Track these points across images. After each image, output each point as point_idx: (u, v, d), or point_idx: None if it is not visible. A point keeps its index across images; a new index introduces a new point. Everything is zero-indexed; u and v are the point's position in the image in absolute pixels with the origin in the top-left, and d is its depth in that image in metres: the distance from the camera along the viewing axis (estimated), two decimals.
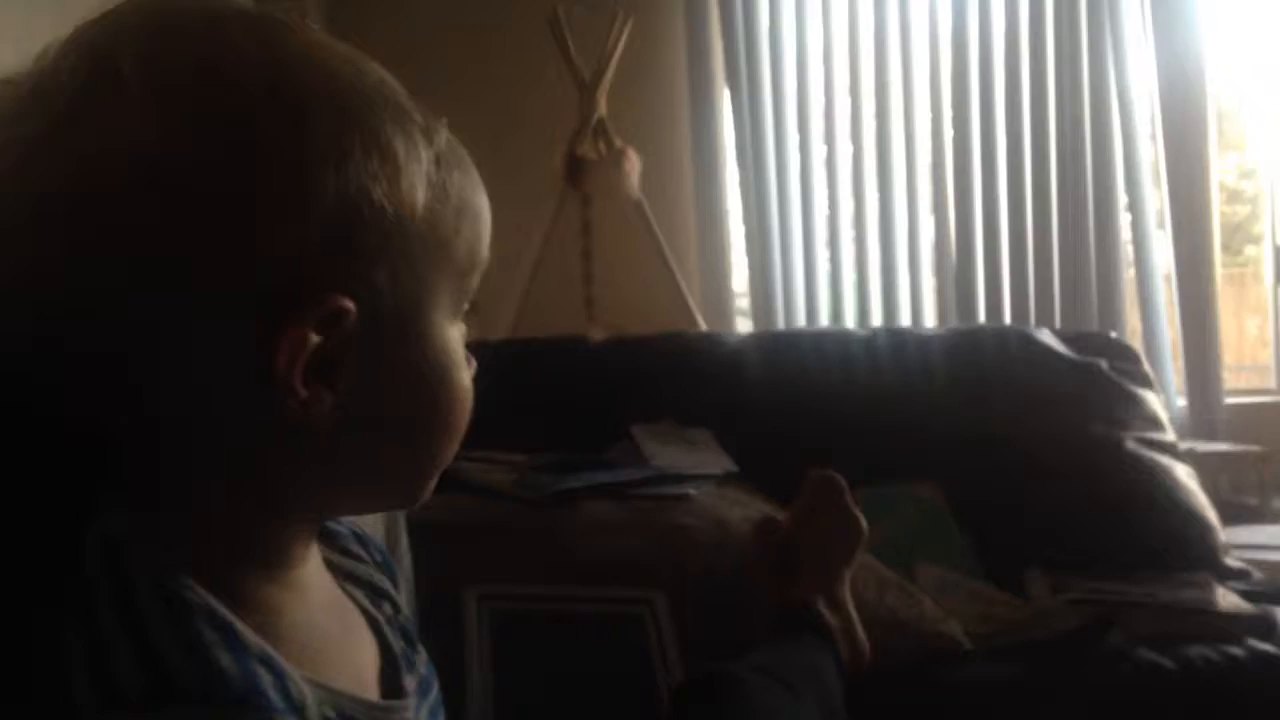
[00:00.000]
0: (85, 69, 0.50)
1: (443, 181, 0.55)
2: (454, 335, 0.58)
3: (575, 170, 3.87)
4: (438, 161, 0.55)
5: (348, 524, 0.68)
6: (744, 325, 4.25)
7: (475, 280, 0.59)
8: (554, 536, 1.44)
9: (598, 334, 2.73)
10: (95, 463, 0.52)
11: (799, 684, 1.16)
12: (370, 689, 0.60)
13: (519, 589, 1.35)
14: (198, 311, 0.50)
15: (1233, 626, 1.51)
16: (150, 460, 0.52)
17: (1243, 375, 5.31)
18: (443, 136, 0.56)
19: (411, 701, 0.62)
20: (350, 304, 0.51)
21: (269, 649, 0.50)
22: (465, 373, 0.58)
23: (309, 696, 0.50)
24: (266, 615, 0.53)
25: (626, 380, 1.96)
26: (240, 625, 0.49)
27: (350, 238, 0.51)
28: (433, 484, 0.60)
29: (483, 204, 0.58)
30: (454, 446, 0.59)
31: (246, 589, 0.53)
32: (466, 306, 0.59)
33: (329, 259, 0.51)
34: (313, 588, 0.58)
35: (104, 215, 0.49)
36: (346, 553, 0.66)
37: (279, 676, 0.49)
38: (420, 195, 0.54)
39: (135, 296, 0.49)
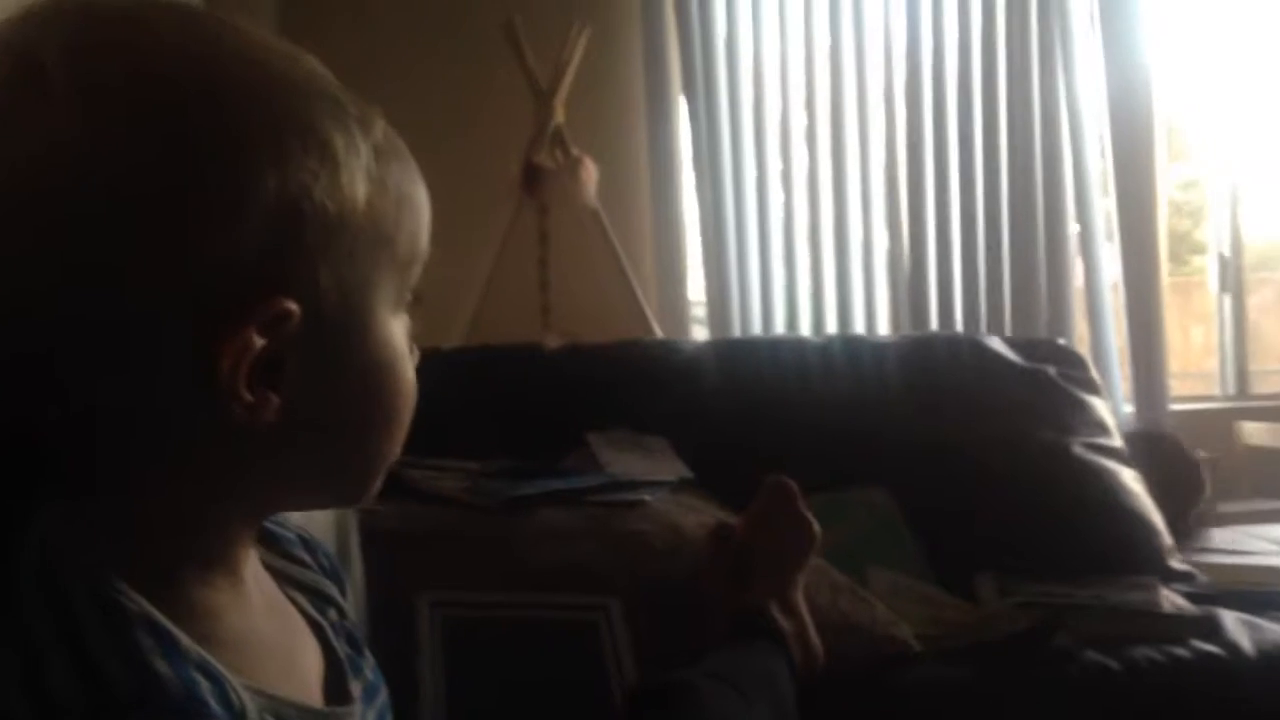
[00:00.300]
0: (8, 67, 0.49)
1: (382, 175, 0.54)
2: (397, 329, 0.57)
3: (532, 179, 3.87)
4: (376, 154, 0.54)
5: (295, 529, 0.67)
6: (700, 334, 4.26)
7: (417, 272, 0.58)
8: (508, 543, 1.44)
9: (554, 342, 2.73)
10: (32, 466, 0.51)
11: (752, 689, 1.17)
12: (313, 695, 0.59)
13: (472, 596, 1.35)
14: (133, 315, 0.49)
15: (1178, 628, 1.54)
16: (87, 465, 0.51)
17: (1188, 382, 5.40)
18: (379, 127, 0.55)
19: (356, 708, 0.61)
20: (294, 306, 0.51)
21: (207, 656, 0.49)
22: (409, 365, 0.58)
23: (249, 704, 0.50)
24: (205, 620, 0.52)
25: (582, 387, 1.96)
26: (178, 632, 0.49)
27: (291, 237, 0.51)
28: (380, 479, 0.60)
29: (422, 195, 0.58)
30: (400, 440, 0.59)
31: (185, 594, 0.53)
32: (409, 298, 0.58)
33: (270, 260, 0.50)
34: (253, 592, 0.58)
35: (35, 217, 0.48)
36: (291, 558, 0.66)
37: (218, 684, 0.48)
38: (360, 190, 0.53)
39: (67, 298, 0.48)
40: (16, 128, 0.48)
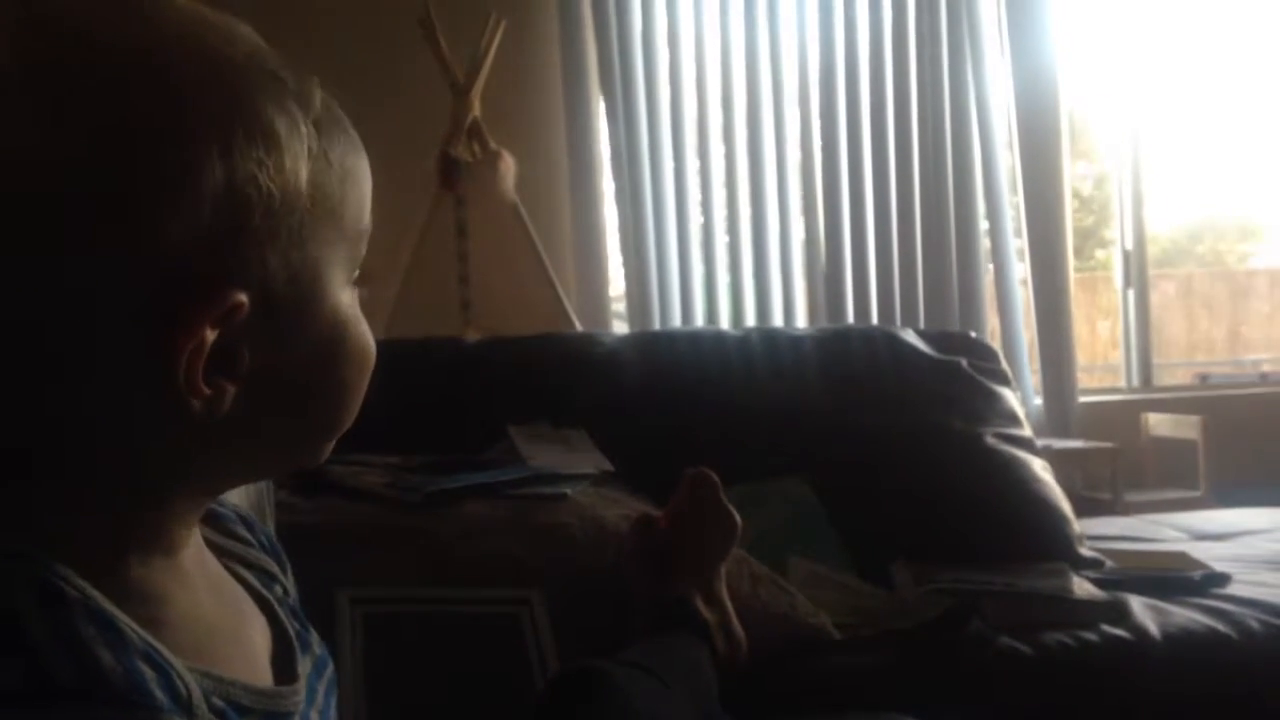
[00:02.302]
0: None
1: (324, 151, 0.54)
2: (348, 299, 0.57)
3: (449, 172, 3.84)
4: (318, 129, 0.54)
5: (231, 507, 0.67)
6: (620, 329, 4.27)
7: (364, 246, 0.58)
8: (430, 538, 1.43)
9: (473, 336, 2.71)
10: None
11: (674, 678, 1.18)
12: (262, 673, 0.59)
13: (392, 591, 1.34)
14: (79, 315, 0.48)
15: (1088, 613, 1.58)
16: (29, 453, 0.50)
17: (1095, 375, 5.55)
18: (318, 99, 0.55)
19: (302, 685, 0.61)
20: (244, 297, 0.50)
21: (153, 642, 0.48)
22: (364, 330, 0.58)
23: (195, 690, 0.49)
24: (152, 603, 0.52)
25: (503, 381, 1.95)
26: (122, 620, 0.48)
27: (238, 226, 0.50)
28: (332, 444, 0.60)
29: (364, 165, 0.57)
30: (357, 403, 0.59)
31: (131, 576, 0.52)
32: (357, 273, 0.58)
33: (218, 251, 0.50)
34: (198, 572, 0.57)
35: None
36: (232, 535, 0.65)
37: (163, 673, 0.47)
38: (304, 171, 0.53)
39: (12, 298, 0.47)
40: None
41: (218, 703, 0.51)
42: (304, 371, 0.55)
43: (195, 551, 0.57)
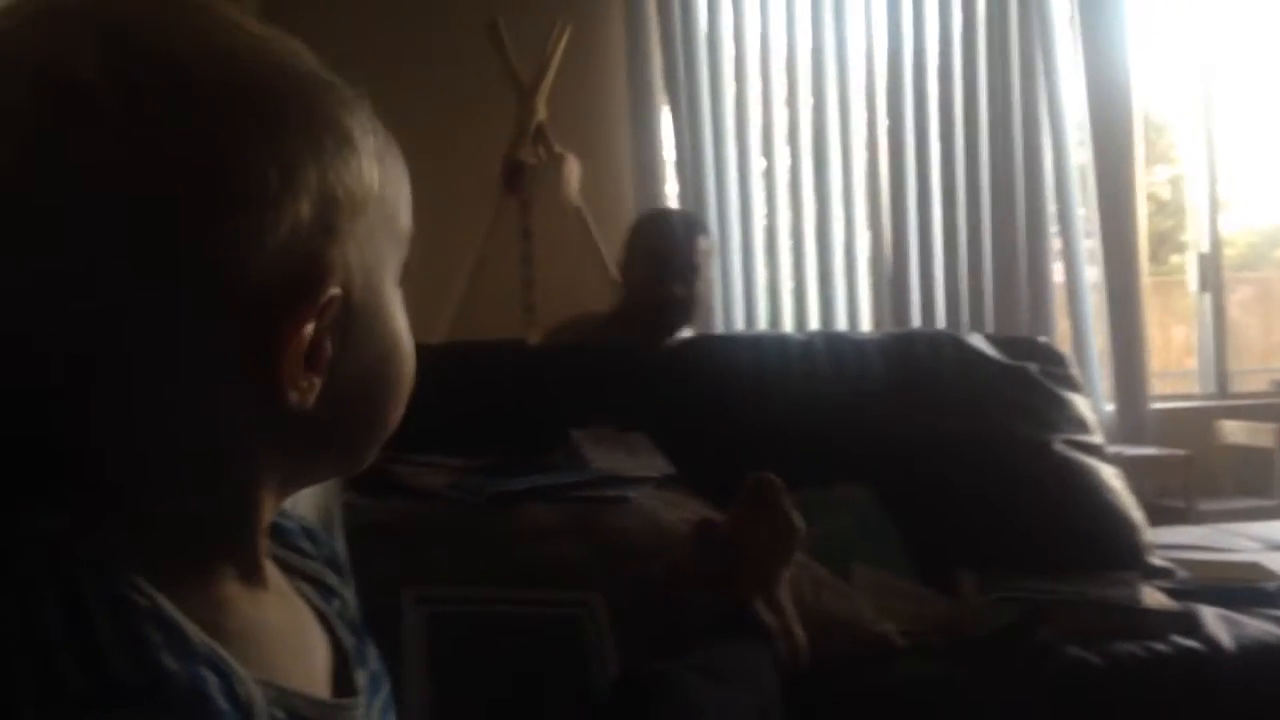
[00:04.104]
0: (37, 83, 0.49)
1: (381, 154, 0.56)
2: (399, 300, 0.59)
3: (514, 176, 3.87)
4: (375, 135, 0.56)
5: (296, 519, 0.68)
6: (684, 331, 4.27)
7: (407, 247, 0.60)
8: (492, 539, 1.44)
9: (536, 338, 2.73)
10: (30, 461, 0.51)
11: (736, 682, 1.17)
12: (322, 686, 0.59)
13: (456, 591, 1.35)
14: (185, 317, 0.50)
15: (1158, 624, 1.55)
16: (106, 459, 0.51)
17: (1169, 381, 5.44)
18: (367, 107, 0.57)
19: (362, 699, 0.61)
20: (340, 291, 0.53)
21: (218, 649, 0.49)
22: (410, 336, 0.60)
23: (257, 698, 0.50)
24: (218, 611, 0.52)
25: (565, 384, 1.96)
26: (188, 627, 0.49)
27: (329, 226, 0.52)
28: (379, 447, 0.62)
29: (405, 171, 0.59)
30: (405, 403, 0.60)
31: (200, 585, 0.53)
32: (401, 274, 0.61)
33: (315, 249, 0.52)
34: (264, 582, 0.58)
35: (87, 235, 0.48)
36: (294, 548, 0.66)
37: (226, 679, 0.48)
38: (375, 172, 0.55)
39: (121, 304, 0.49)
40: (62, 144, 0.48)
41: (279, 714, 0.52)
42: (370, 369, 0.57)
43: (262, 561, 0.58)
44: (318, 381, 0.53)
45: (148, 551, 0.51)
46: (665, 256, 2.48)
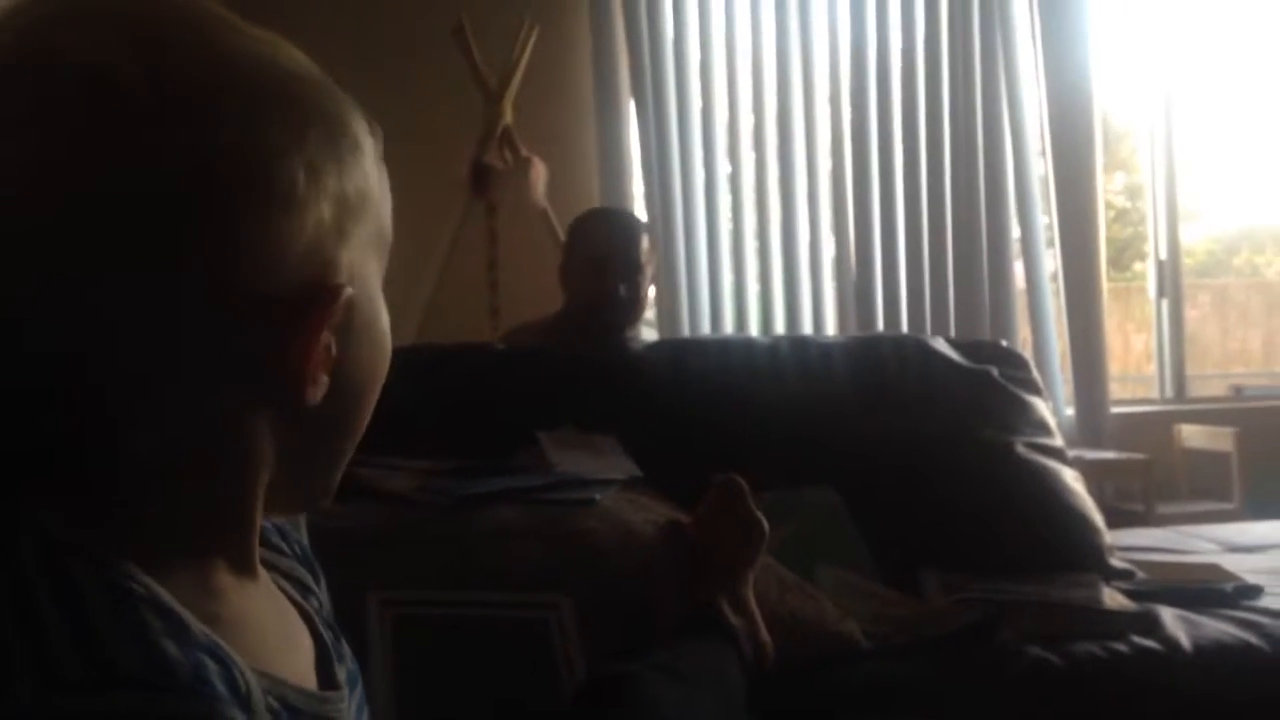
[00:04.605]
0: (86, 88, 0.49)
1: (378, 159, 0.58)
2: (383, 302, 0.60)
3: (481, 178, 3.86)
4: (375, 139, 0.58)
5: (268, 518, 0.68)
6: (649, 335, 4.28)
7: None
8: (458, 542, 1.44)
9: (503, 342, 2.72)
10: (39, 455, 0.51)
11: (701, 683, 1.18)
12: (308, 677, 0.60)
13: (422, 594, 1.34)
14: (216, 318, 0.50)
15: (1118, 624, 1.57)
16: (120, 454, 0.51)
17: (1128, 386, 5.50)
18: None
19: (344, 693, 0.62)
20: (352, 291, 0.54)
21: (216, 638, 0.49)
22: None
23: (255, 686, 0.50)
24: (213, 602, 0.53)
25: (531, 387, 1.96)
26: (187, 615, 0.49)
27: (342, 226, 0.54)
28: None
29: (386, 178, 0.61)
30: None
31: (196, 575, 0.53)
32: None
33: (333, 252, 0.53)
34: (256, 575, 0.59)
35: (128, 234, 0.48)
36: (270, 546, 0.66)
37: (226, 667, 0.48)
38: (375, 176, 0.57)
39: (135, 300, 0.49)
40: (106, 144, 0.48)
41: (273, 702, 0.52)
42: (365, 368, 0.58)
43: (254, 555, 0.59)
44: (326, 380, 0.54)
45: (146, 543, 0.51)
46: (605, 256, 2.43)
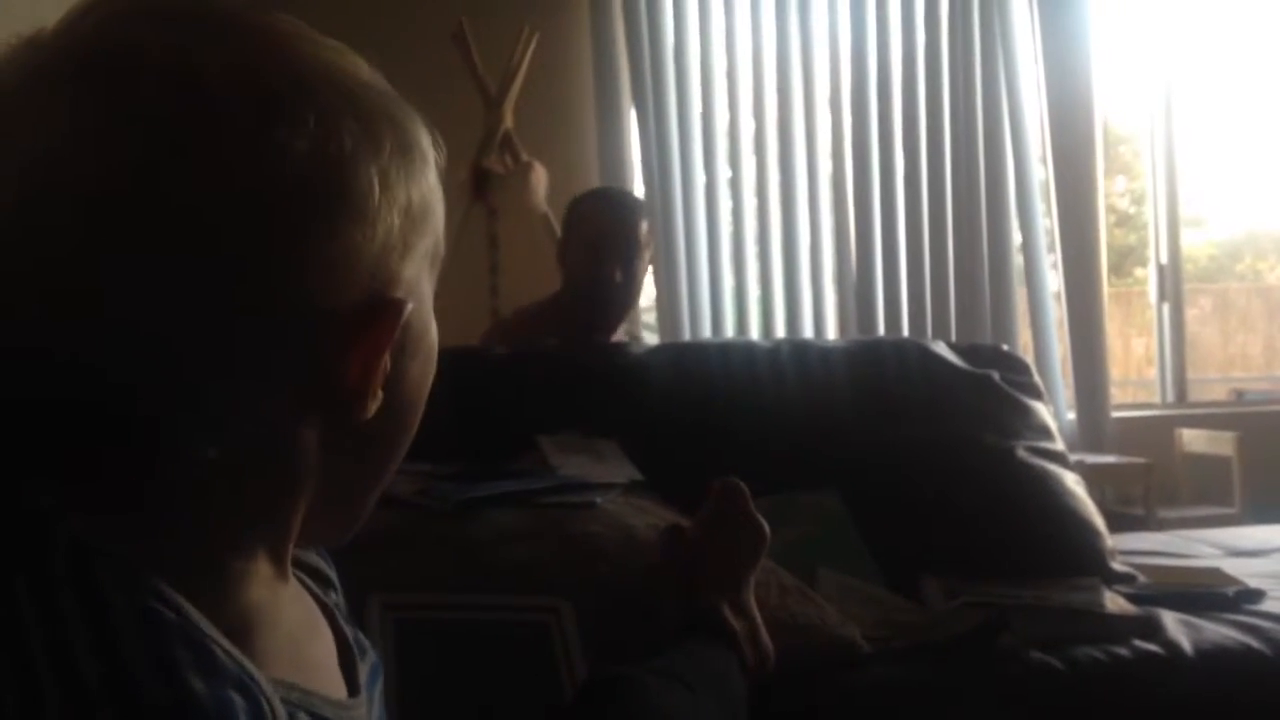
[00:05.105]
0: (172, 88, 0.48)
1: (438, 172, 0.58)
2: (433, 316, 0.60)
3: (481, 184, 3.86)
4: (437, 152, 0.58)
5: (307, 549, 0.67)
6: (650, 339, 4.28)
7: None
8: (459, 545, 1.44)
9: (500, 327, 2.72)
10: (61, 462, 0.50)
11: (702, 686, 1.18)
12: (336, 682, 0.60)
13: (424, 598, 1.34)
14: (283, 327, 0.49)
15: (1120, 628, 1.56)
16: (153, 461, 0.50)
17: (1130, 390, 5.50)
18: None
19: (364, 696, 0.62)
20: (411, 305, 0.53)
21: (245, 664, 0.48)
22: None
23: (281, 715, 0.49)
24: (246, 614, 0.52)
25: (532, 391, 1.96)
26: (215, 642, 0.48)
27: (407, 242, 0.53)
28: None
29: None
30: None
31: (232, 588, 0.52)
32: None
33: (396, 265, 0.53)
34: (288, 580, 0.58)
35: (208, 236, 0.47)
36: None
37: (253, 700, 0.47)
38: (438, 190, 0.57)
39: (225, 311, 0.48)
40: (191, 144, 0.47)
41: (302, 717, 0.51)
42: (416, 384, 0.58)
43: (288, 564, 0.58)
44: (381, 395, 0.53)
45: (183, 550, 0.50)
46: (603, 237, 2.39)
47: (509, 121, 3.90)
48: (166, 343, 0.48)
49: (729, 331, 4.37)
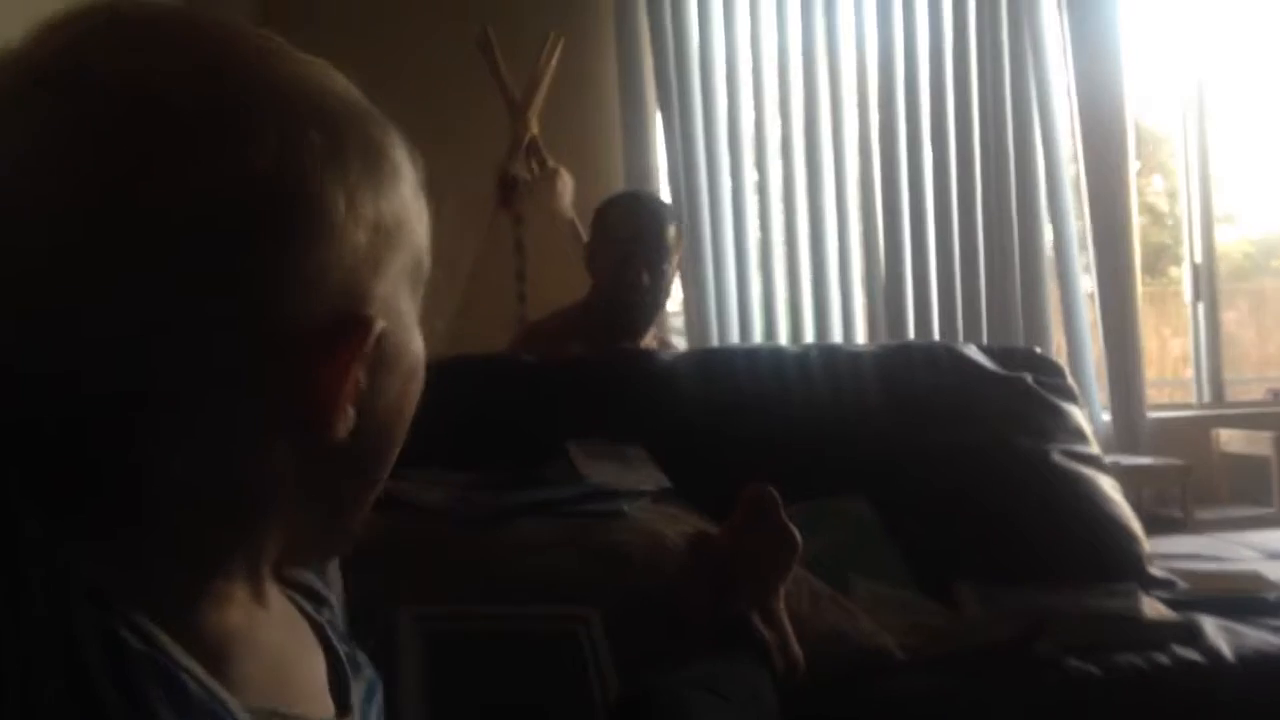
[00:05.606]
0: (133, 105, 0.48)
1: (417, 187, 0.57)
2: (419, 335, 0.59)
3: (507, 190, 3.86)
4: (414, 167, 0.57)
5: (292, 569, 0.66)
6: (679, 344, 4.27)
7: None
8: (489, 555, 1.43)
9: (527, 334, 2.72)
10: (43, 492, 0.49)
11: (736, 699, 1.17)
12: (324, 701, 0.59)
13: (453, 609, 1.34)
14: (244, 346, 0.49)
15: (1158, 634, 1.54)
16: (139, 485, 0.49)
17: (1165, 390, 5.44)
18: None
19: (357, 715, 0.61)
20: (384, 323, 0.52)
21: (218, 693, 0.48)
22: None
23: None
24: (222, 641, 0.51)
25: (561, 397, 1.96)
26: (189, 673, 0.47)
27: (378, 258, 0.52)
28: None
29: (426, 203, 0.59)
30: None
31: (207, 613, 0.52)
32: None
33: (366, 282, 0.52)
34: (271, 602, 0.57)
35: (139, 255, 0.47)
36: None
37: None
38: (414, 205, 0.55)
39: (183, 331, 0.48)
40: (153, 163, 0.47)
41: None
42: (395, 403, 0.56)
43: (267, 587, 0.57)
44: (354, 414, 0.52)
45: (158, 578, 0.50)
46: (630, 241, 2.37)
47: (534, 128, 3.90)
48: (135, 363, 0.48)
49: (757, 337, 4.35)
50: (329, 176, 0.50)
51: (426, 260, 0.58)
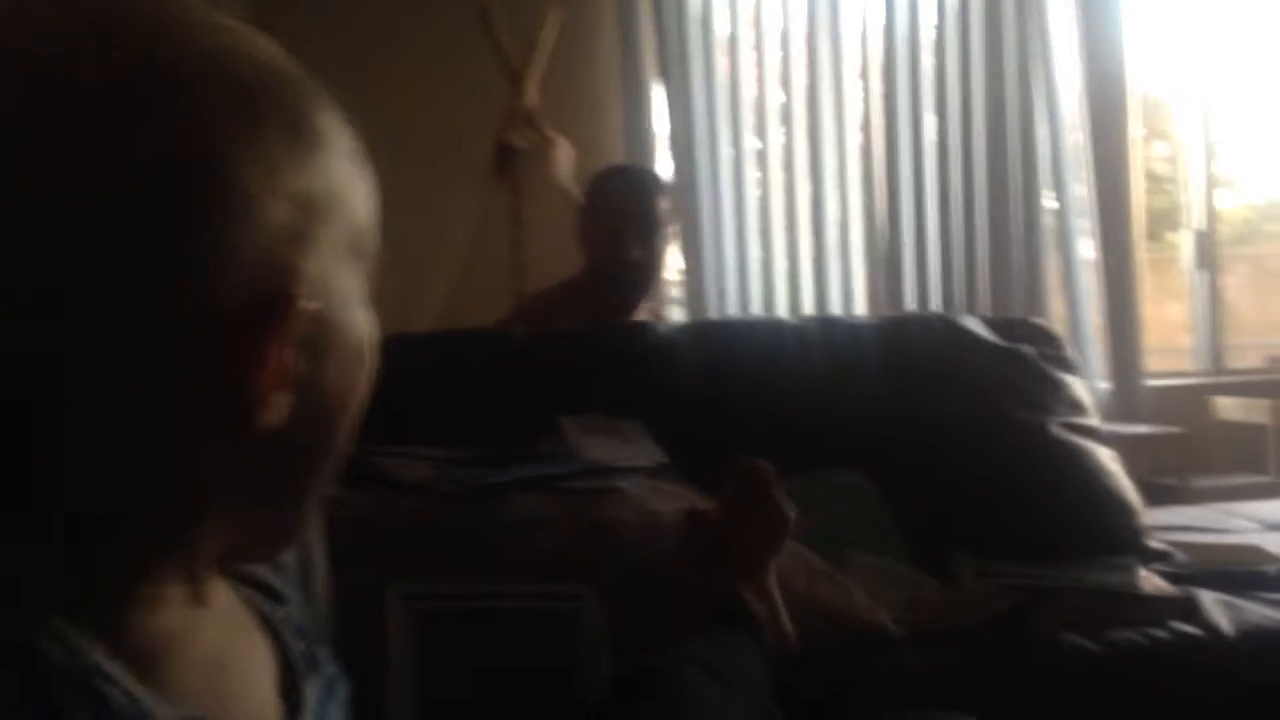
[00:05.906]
0: (42, 83, 0.46)
1: (351, 156, 0.54)
2: (367, 317, 0.56)
3: (505, 160, 3.84)
4: (347, 136, 0.54)
5: (234, 566, 0.65)
6: (676, 315, 4.25)
7: (372, 266, 0.57)
8: (480, 532, 1.42)
9: (520, 310, 2.70)
10: None
11: (729, 675, 1.16)
12: (269, 703, 0.57)
13: (443, 588, 1.33)
14: (157, 326, 0.47)
15: (1156, 610, 1.53)
16: (58, 479, 0.48)
17: (1164, 358, 5.42)
18: (337, 107, 0.55)
19: (309, 714, 0.59)
20: (316, 304, 0.50)
21: (144, 703, 0.46)
22: (374, 348, 0.57)
23: None
24: (155, 644, 0.50)
25: (556, 371, 1.94)
26: (115, 681, 0.46)
27: (303, 233, 0.50)
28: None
29: (369, 174, 0.56)
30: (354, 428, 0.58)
31: (139, 615, 0.50)
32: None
33: (290, 259, 0.49)
34: (210, 600, 0.55)
35: (72, 235, 0.45)
36: None
37: None
38: (346, 176, 0.53)
39: (90, 314, 0.46)
40: (61, 140, 0.46)
41: None
42: (337, 387, 0.54)
43: (205, 586, 0.55)
44: (287, 402, 0.50)
45: (83, 581, 0.48)
46: (623, 214, 2.35)
47: (533, 97, 3.87)
48: (39, 358, 0.46)
49: (756, 308, 4.33)
50: (240, 149, 0.48)
51: (369, 234, 0.55)
